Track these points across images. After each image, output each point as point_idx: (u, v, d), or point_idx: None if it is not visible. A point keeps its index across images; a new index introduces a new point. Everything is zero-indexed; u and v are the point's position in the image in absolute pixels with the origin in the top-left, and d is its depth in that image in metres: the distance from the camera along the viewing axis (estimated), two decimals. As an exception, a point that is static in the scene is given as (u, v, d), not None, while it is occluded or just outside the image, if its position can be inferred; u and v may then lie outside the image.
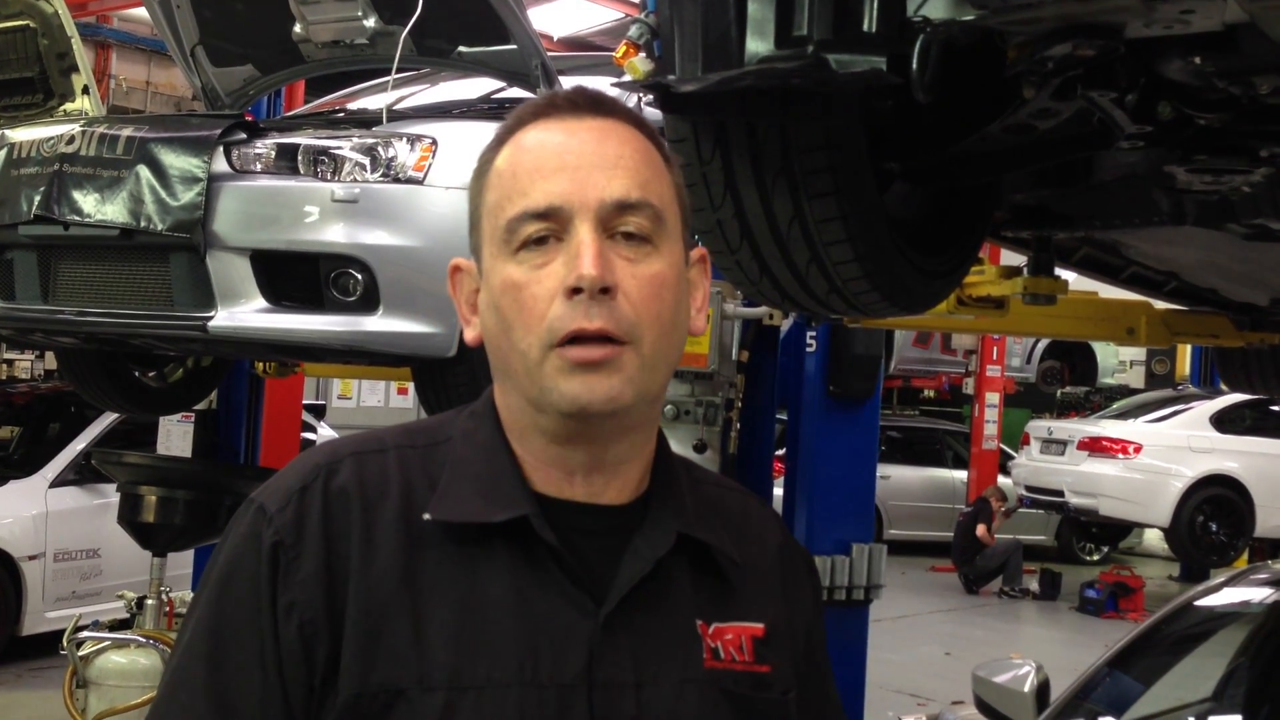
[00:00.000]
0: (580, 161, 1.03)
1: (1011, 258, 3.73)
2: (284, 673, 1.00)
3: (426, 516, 1.03)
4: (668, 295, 1.04)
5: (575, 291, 1.00)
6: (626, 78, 1.81)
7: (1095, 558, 13.93)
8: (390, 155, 3.52)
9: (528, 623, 1.01)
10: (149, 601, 4.78)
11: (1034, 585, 11.91)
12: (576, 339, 1.00)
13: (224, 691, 1.00)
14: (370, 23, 4.05)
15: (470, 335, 1.10)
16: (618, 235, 1.03)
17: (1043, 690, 2.87)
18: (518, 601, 1.02)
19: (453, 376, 3.70)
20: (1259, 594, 3.22)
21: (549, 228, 1.02)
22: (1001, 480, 13.20)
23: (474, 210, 1.09)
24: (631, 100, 4.27)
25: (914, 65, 1.57)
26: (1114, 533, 13.79)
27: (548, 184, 1.02)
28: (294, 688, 1.00)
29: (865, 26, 1.58)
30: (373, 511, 1.04)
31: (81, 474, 7.31)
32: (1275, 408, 10.93)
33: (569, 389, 1.01)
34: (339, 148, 3.52)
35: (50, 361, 13.13)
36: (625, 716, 1.01)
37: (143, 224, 3.46)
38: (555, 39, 12.93)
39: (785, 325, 4.39)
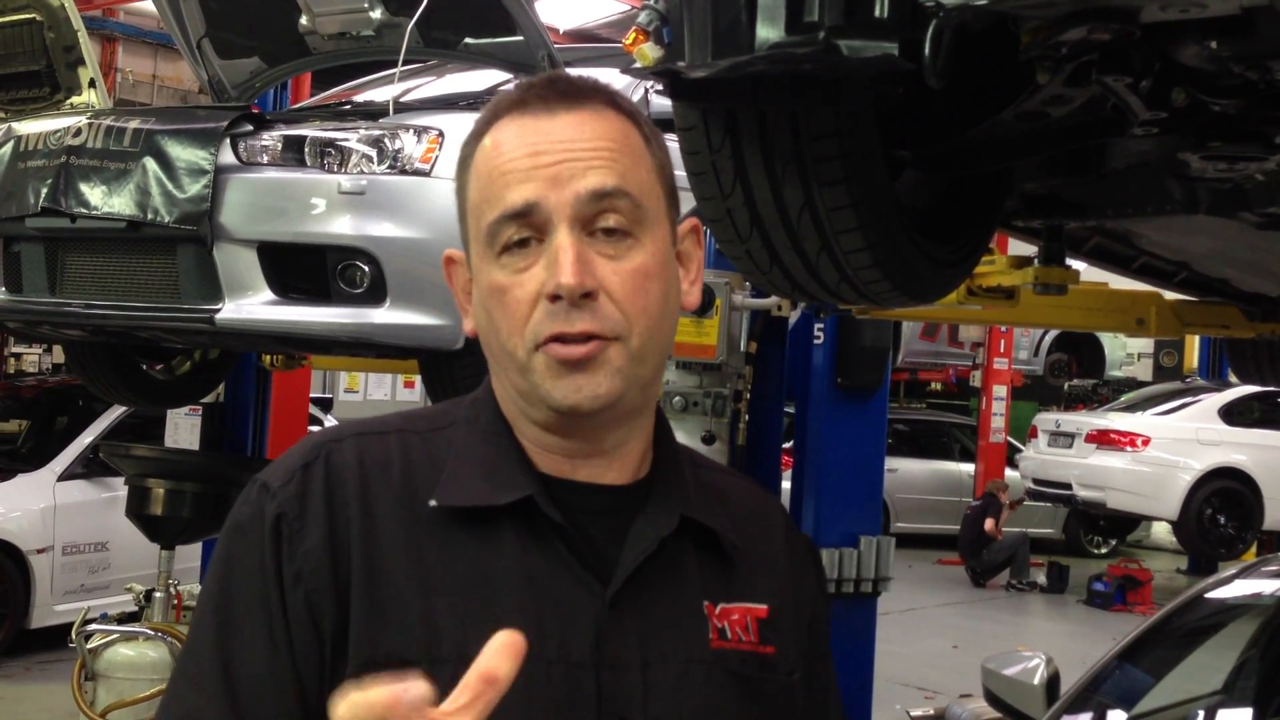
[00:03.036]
0: (554, 158, 1.02)
1: (1019, 248, 3.71)
2: (293, 644, 1.00)
3: (432, 503, 1.03)
4: (653, 286, 1.04)
5: (556, 298, 1.00)
6: (636, 64, 1.79)
7: (1103, 551, 13.90)
8: (397, 147, 3.51)
9: (534, 600, 1.01)
10: (157, 594, 4.80)
11: (1041, 578, 11.90)
12: (559, 339, 1.01)
13: (233, 663, 1.01)
14: (376, 14, 4.04)
15: (469, 326, 1.10)
16: (598, 232, 1.02)
17: (1053, 683, 2.86)
18: (524, 579, 1.02)
19: (460, 369, 3.70)
20: (1269, 586, 3.20)
21: (528, 228, 1.02)
22: (1008, 474, 13.17)
23: (460, 204, 1.09)
24: (639, 93, 4.27)
25: (926, 51, 1.55)
26: (1122, 526, 13.76)
27: (524, 185, 1.02)
28: (303, 658, 1.00)
29: (877, 12, 1.56)
30: (375, 488, 1.04)
31: (89, 467, 7.33)
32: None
33: (556, 391, 1.02)
34: (346, 140, 3.51)
35: (58, 355, 13.17)
36: (632, 695, 1.01)
37: (149, 216, 3.46)
38: (561, 31, 12.90)
39: (794, 317, 4.38)
